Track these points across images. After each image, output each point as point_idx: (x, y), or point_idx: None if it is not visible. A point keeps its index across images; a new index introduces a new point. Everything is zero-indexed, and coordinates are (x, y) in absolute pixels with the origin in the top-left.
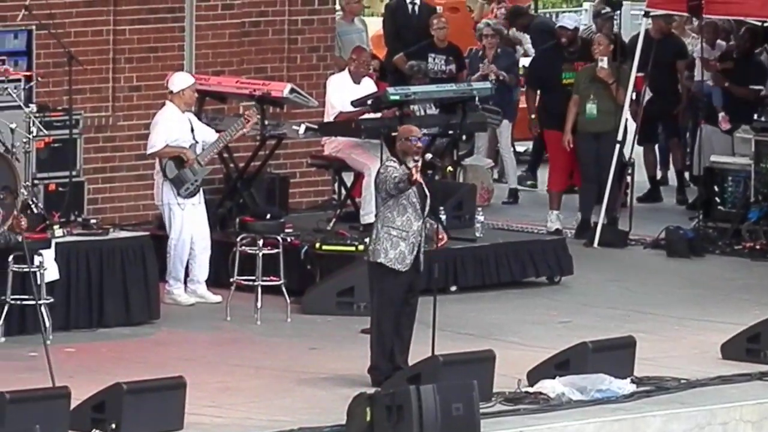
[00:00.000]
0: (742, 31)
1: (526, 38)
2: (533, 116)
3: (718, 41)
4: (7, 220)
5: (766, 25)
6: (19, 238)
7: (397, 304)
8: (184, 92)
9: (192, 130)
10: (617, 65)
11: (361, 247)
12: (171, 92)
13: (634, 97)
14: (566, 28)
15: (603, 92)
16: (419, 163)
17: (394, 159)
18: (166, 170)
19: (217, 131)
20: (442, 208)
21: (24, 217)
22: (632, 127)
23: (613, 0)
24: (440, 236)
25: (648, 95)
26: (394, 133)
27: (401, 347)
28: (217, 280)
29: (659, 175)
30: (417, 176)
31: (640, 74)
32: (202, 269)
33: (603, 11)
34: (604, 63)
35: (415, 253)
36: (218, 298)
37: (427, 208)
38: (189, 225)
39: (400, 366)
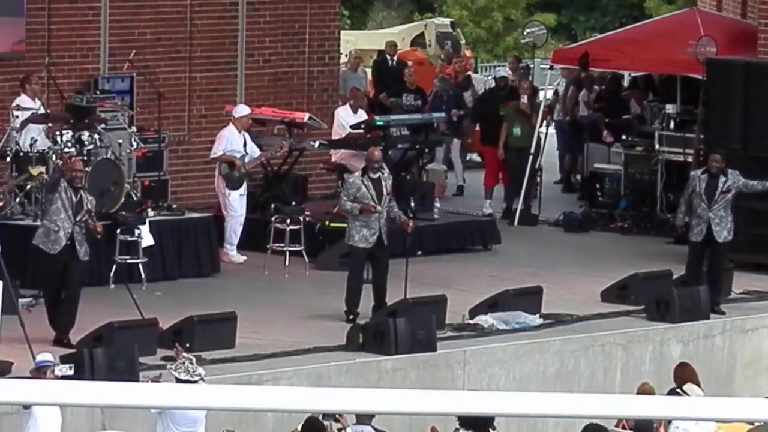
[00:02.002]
0: (609, 77)
1: (479, 81)
2: (469, 140)
3: (595, 87)
4: (95, 227)
5: (632, 75)
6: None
7: (361, 267)
8: (242, 118)
9: (245, 145)
10: (533, 101)
11: None
12: (233, 117)
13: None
14: (505, 77)
15: (524, 120)
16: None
17: (360, 173)
18: (221, 169)
19: (259, 145)
20: (411, 197)
21: (100, 225)
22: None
23: (518, 57)
24: (409, 224)
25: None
26: (380, 147)
27: (379, 294)
28: (258, 246)
29: (558, 177)
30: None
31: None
32: (235, 237)
33: (521, 65)
34: (525, 99)
35: (377, 234)
36: (243, 258)
37: (384, 203)
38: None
39: (380, 306)
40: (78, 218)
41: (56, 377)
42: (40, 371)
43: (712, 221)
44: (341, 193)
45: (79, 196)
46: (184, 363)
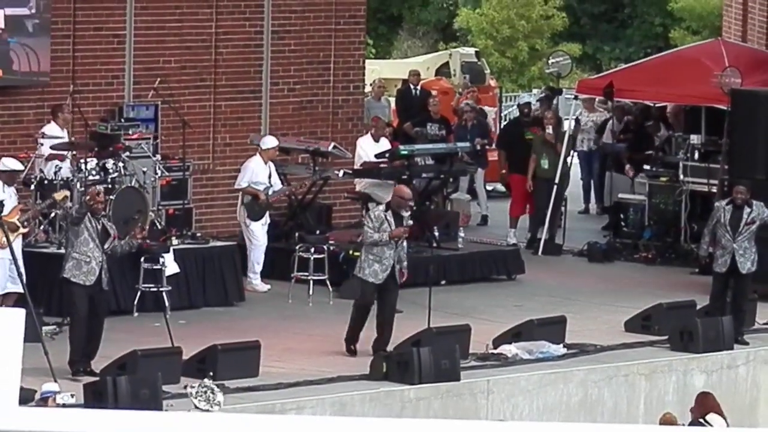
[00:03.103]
0: (636, 108)
1: (491, 112)
2: (504, 171)
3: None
4: (134, 234)
5: (656, 105)
6: (134, 243)
7: (370, 303)
8: (269, 150)
9: (269, 177)
10: (558, 131)
11: None
12: (260, 148)
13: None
14: (529, 103)
15: (550, 150)
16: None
17: (384, 208)
18: (244, 199)
19: (283, 174)
20: (436, 227)
21: (142, 229)
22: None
23: (553, 87)
24: (404, 274)
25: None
26: (404, 176)
27: (383, 332)
28: (282, 275)
29: (583, 207)
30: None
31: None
32: (258, 266)
33: (546, 95)
34: (550, 130)
35: (389, 271)
36: (267, 287)
37: (400, 242)
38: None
39: (381, 345)
40: (106, 247)
41: (58, 405)
42: (45, 401)
43: (736, 252)
44: (365, 226)
45: (101, 224)
46: (205, 392)
